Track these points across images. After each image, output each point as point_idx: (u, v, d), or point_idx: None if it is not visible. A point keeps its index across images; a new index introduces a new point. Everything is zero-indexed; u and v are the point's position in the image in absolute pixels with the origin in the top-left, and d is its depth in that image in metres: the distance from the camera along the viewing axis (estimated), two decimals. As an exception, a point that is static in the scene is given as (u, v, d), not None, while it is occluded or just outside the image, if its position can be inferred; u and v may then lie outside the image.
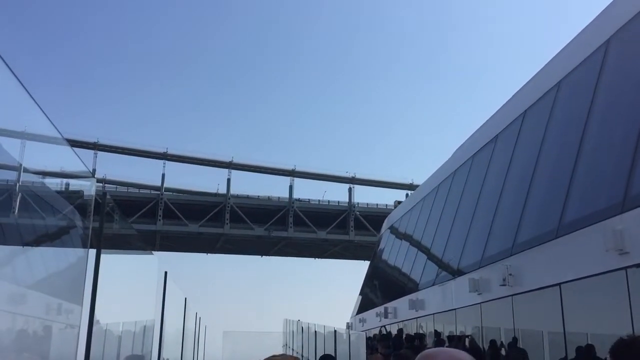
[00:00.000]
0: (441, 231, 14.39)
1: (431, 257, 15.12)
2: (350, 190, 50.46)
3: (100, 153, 50.69)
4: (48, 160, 6.23)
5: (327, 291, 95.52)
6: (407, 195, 37.06)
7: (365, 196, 63.81)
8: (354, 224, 48.86)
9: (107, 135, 66.62)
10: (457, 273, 12.07)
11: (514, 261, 9.22)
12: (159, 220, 47.62)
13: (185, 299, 13.87)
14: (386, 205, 46.90)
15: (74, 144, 47.60)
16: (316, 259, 56.34)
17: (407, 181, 49.59)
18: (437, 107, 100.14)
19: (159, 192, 48.87)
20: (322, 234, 49.20)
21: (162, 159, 50.60)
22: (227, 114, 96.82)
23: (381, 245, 24.36)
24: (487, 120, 13.46)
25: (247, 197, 51.24)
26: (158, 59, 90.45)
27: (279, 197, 50.64)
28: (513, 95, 11.98)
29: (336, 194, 69.25)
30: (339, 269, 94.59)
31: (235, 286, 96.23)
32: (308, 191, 70.15)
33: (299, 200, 50.46)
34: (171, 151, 51.05)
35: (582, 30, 9.24)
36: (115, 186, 49.07)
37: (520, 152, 10.66)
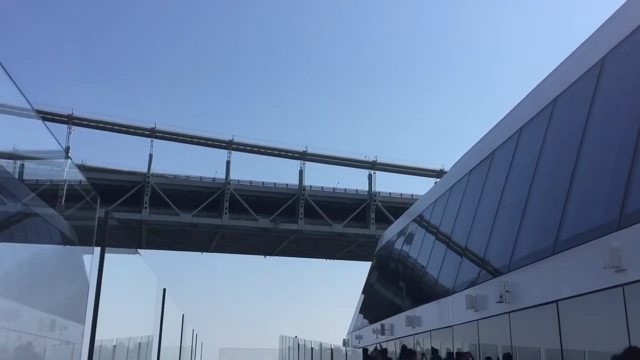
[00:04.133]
0: (438, 247, 16.31)
1: (428, 273, 17.09)
2: (370, 177, 51.39)
3: (75, 129, 50.96)
4: (13, 135, 6.05)
5: (332, 298, 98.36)
6: (435, 183, 38.50)
7: (388, 184, 65.18)
8: (375, 217, 49.81)
9: (83, 107, 68.28)
10: (454, 290, 13.88)
11: (510, 278, 10.91)
12: (145, 208, 48.18)
13: (183, 315, 15.57)
14: (412, 195, 48.08)
15: (42, 115, 48.14)
16: (327, 260, 57.48)
17: (437, 167, 50.57)
18: (468, 87, 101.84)
19: (144, 174, 49.45)
20: (337, 228, 50.04)
21: (149, 136, 51.35)
22: (227, 87, 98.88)
23: (378, 261, 26.89)
24: (483, 137, 15.29)
25: (250, 183, 51.71)
26: (147, 26, 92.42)
27: (287, 184, 51.61)
28: (509, 112, 13.70)
29: (354, 181, 70.84)
30: (349, 272, 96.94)
31: (232, 293, 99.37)
32: (320, 178, 71.82)
33: (310, 187, 51.30)
34: (160, 127, 51.82)
35: (577, 48, 10.82)
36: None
37: (516, 168, 12.39)
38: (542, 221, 10.70)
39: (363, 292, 28.16)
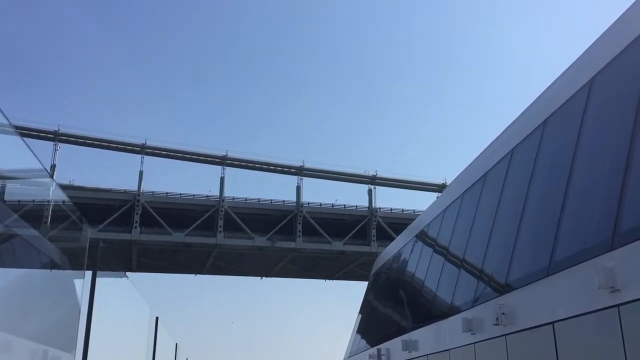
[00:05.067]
0: (433, 270, 16.86)
1: (423, 296, 17.67)
2: (370, 192, 52.05)
3: (62, 146, 51.84)
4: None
5: (332, 321, 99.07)
6: (437, 197, 39.02)
7: (389, 199, 65.82)
8: (377, 233, 50.32)
9: (70, 123, 68.72)
10: (450, 312, 14.34)
11: (506, 300, 11.37)
12: (135, 227, 48.86)
13: (177, 344, 15.86)
14: (414, 210, 48.61)
15: (26, 132, 48.35)
16: (326, 280, 57.89)
17: (439, 181, 51.18)
18: (471, 99, 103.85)
19: (135, 192, 50.39)
20: (337, 245, 50.66)
21: (139, 153, 52.44)
22: (221, 100, 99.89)
23: (373, 284, 27.55)
24: (476, 159, 15.95)
25: (246, 200, 52.56)
26: (137, 38, 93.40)
27: (284, 201, 52.18)
28: (500, 134, 14.33)
29: (353, 197, 71.72)
30: (349, 293, 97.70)
31: (228, 317, 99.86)
32: (319, 194, 72.52)
33: (308, 204, 51.83)
34: (151, 143, 52.98)
35: (566, 69, 11.36)
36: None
37: (509, 190, 12.94)
38: (535, 242, 11.17)
39: (358, 317, 28.78)
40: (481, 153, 15.85)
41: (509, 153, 13.36)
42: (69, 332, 8.08)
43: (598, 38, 10.45)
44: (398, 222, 47.54)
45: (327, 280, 58.89)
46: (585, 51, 10.85)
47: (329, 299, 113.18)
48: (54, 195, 9.03)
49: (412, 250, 21.04)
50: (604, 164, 9.66)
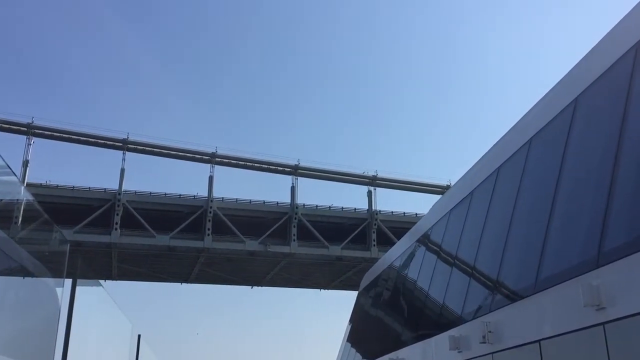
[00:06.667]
0: (420, 287, 17.77)
1: (410, 314, 18.73)
2: (370, 194, 52.46)
3: (38, 141, 51.74)
4: None
5: (325, 334, 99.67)
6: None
7: (390, 202, 66.38)
8: (377, 238, 50.78)
9: (47, 116, 69.08)
10: (437, 330, 15.20)
11: (493, 317, 12.19)
12: (115, 229, 48.86)
13: None
14: (416, 214, 49.15)
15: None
16: (321, 290, 58.30)
17: (443, 182, 51.74)
18: (476, 99, 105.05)
19: (115, 191, 50.56)
20: (335, 250, 51.31)
21: (121, 149, 52.67)
22: (210, 96, 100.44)
23: (359, 302, 29.08)
24: (463, 176, 16.96)
25: (236, 201, 53.08)
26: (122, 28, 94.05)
27: (277, 202, 52.53)
28: (487, 152, 15.52)
29: (351, 199, 72.43)
30: (345, 303, 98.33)
31: (216, 329, 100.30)
32: (314, 196, 73.10)
33: (304, 205, 52.19)
34: (133, 138, 53.29)
35: (551, 88, 12.24)
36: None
37: (495, 208, 13.83)
38: (522, 260, 12.01)
39: (347, 329, 29.74)
40: (468, 171, 16.94)
41: (495, 171, 14.30)
42: (45, 346, 8.30)
43: (583, 57, 11.30)
44: (399, 226, 47.53)
45: (322, 290, 59.74)
46: (570, 70, 11.73)
47: (321, 310, 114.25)
48: (17, 194, 9.35)
49: (399, 267, 22.08)
50: (588, 182, 10.48)
